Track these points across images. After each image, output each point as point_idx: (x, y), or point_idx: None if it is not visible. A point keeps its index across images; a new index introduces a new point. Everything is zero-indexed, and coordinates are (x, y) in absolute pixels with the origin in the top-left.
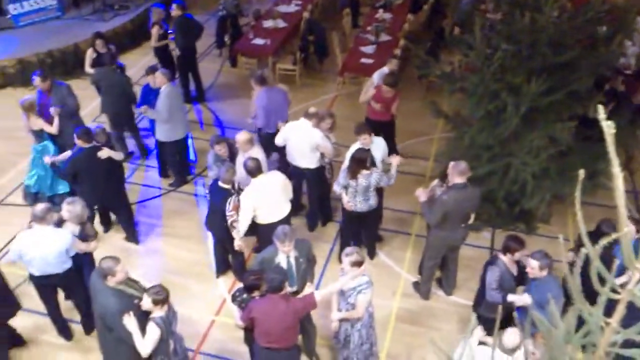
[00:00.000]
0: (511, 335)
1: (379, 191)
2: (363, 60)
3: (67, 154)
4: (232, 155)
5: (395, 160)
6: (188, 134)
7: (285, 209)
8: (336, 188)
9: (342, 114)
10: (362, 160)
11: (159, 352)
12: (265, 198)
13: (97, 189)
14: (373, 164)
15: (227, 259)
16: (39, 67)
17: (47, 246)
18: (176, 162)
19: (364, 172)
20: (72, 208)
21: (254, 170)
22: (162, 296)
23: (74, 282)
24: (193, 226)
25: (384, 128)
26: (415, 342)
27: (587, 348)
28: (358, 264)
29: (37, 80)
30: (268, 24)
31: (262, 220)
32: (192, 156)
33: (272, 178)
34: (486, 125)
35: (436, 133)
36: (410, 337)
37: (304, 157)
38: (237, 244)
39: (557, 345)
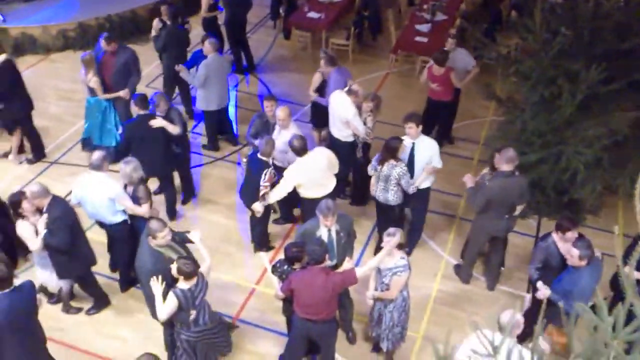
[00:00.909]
0: (506, 315)
1: (420, 194)
2: (417, 38)
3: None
4: (267, 129)
5: (429, 169)
6: (227, 106)
7: (330, 185)
8: (370, 168)
9: (393, 92)
10: (393, 149)
11: (178, 319)
12: (310, 176)
13: (148, 158)
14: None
15: (266, 230)
16: (97, 31)
17: (95, 192)
18: (210, 129)
19: (391, 161)
20: (123, 167)
21: (300, 150)
22: (187, 269)
23: (119, 237)
24: (236, 195)
25: (443, 109)
26: (453, 325)
27: (635, 344)
28: (398, 245)
29: (102, 42)
30: None
31: (307, 195)
32: (232, 128)
33: (317, 156)
34: (540, 111)
35: (487, 116)
36: (449, 320)
37: (334, 126)
38: (258, 207)
39: (602, 339)
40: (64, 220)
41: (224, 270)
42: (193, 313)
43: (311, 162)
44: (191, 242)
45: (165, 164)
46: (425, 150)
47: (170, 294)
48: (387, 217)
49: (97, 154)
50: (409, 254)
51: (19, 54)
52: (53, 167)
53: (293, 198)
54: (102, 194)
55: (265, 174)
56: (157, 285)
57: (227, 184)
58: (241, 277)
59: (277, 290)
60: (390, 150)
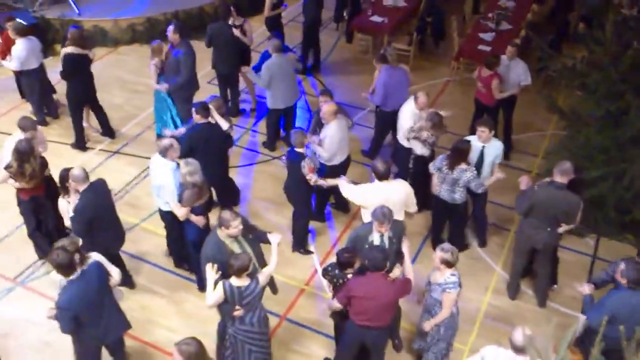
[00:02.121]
0: (518, 334)
1: (479, 197)
2: (480, 47)
3: (182, 130)
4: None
5: (499, 174)
6: (295, 105)
7: (398, 217)
8: (431, 167)
9: (453, 100)
10: (462, 151)
11: (222, 310)
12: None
13: (209, 168)
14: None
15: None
16: (165, 26)
17: (153, 174)
18: (271, 128)
19: (462, 165)
20: (182, 165)
21: (381, 175)
22: (235, 264)
23: (167, 223)
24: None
25: (486, 112)
26: (502, 341)
27: None
28: (447, 263)
29: (169, 30)
30: (388, 2)
31: (366, 219)
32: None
33: (398, 187)
34: (605, 126)
35: (549, 129)
36: (498, 335)
37: (400, 130)
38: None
39: None
40: (82, 213)
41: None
42: (240, 310)
43: (387, 193)
44: (267, 242)
45: (224, 174)
46: (493, 151)
47: (219, 284)
48: (452, 214)
49: (165, 141)
50: (482, 245)
51: (90, 46)
52: (115, 156)
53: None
54: (155, 178)
55: (304, 167)
56: (211, 272)
57: (281, 183)
58: (291, 276)
59: (330, 302)
60: (461, 154)
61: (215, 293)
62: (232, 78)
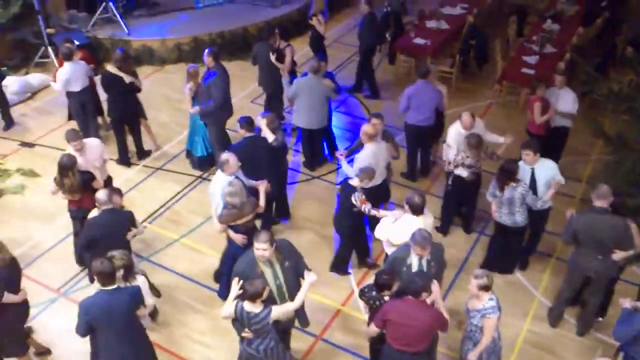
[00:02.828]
0: None
1: (541, 214)
2: (524, 70)
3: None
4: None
5: (554, 185)
6: (320, 129)
7: None
8: (487, 195)
9: (495, 123)
10: (509, 172)
11: (235, 327)
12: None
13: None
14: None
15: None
16: (210, 46)
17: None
18: (304, 146)
19: (511, 184)
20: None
21: (417, 208)
22: (248, 289)
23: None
24: (330, 213)
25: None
26: None
27: None
28: (485, 288)
29: (205, 54)
30: (431, 24)
31: (389, 252)
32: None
33: (428, 222)
34: None
35: (593, 153)
36: None
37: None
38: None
39: None
40: (88, 228)
41: (312, 287)
42: (248, 333)
43: (421, 226)
44: (302, 277)
45: (276, 188)
46: (546, 171)
47: (233, 303)
48: (514, 239)
49: (223, 156)
50: (523, 269)
51: (137, 64)
52: (158, 172)
53: None
54: (210, 187)
55: (356, 199)
56: (235, 287)
57: (321, 202)
58: (327, 296)
59: (367, 329)
60: (508, 174)
61: (228, 308)
62: (273, 96)
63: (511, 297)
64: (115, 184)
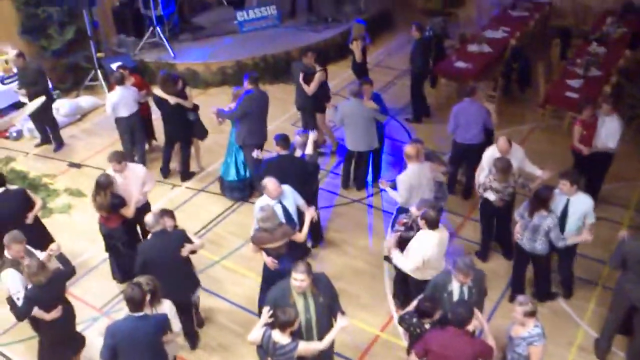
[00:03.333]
0: None
1: (565, 253)
2: (568, 93)
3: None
4: None
5: (587, 235)
6: (367, 152)
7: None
8: (515, 214)
9: (539, 147)
10: (543, 199)
11: (258, 353)
12: (430, 255)
13: None
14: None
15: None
16: (253, 69)
17: None
18: (344, 164)
19: (542, 212)
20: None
21: (432, 222)
22: (281, 317)
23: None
24: (367, 237)
25: (578, 160)
26: None
27: None
28: (531, 314)
29: (245, 79)
30: (473, 48)
31: (417, 277)
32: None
33: (444, 235)
34: None
35: None
36: None
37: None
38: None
39: None
40: (139, 253)
41: (350, 312)
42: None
43: (440, 242)
44: (335, 318)
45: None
46: (581, 205)
47: (261, 328)
48: (535, 265)
49: (264, 181)
50: (567, 297)
51: (171, 91)
52: (201, 194)
53: None
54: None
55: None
56: (265, 315)
57: (359, 226)
58: (366, 321)
59: (407, 357)
60: (541, 200)
61: (255, 334)
62: (304, 115)
63: (555, 326)
64: (158, 204)
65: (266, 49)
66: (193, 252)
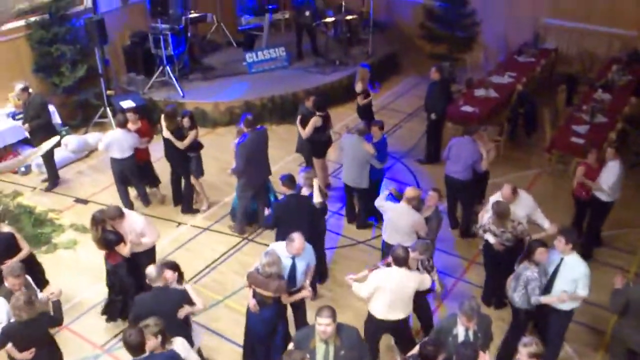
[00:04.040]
0: None
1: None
2: (574, 139)
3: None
4: None
5: (564, 296)
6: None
7: (401, 315)
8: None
9: (544, 191)
10: (529, 249)
11: None
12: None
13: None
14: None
15: None
16: (261, 110)
17: None
18: (347, 202)
19: (525, 262)
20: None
21: (402, 262)
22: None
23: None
24: None
25: (578, 206)
26: None
27: None
28: (536, 355)
29: (241, 120)
30: (479, 92)
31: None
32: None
33: (410, 277)
34: None
35: None
36: None
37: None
38: None
39: None
40: (132, 310)
41: None
42: None
43: (400, 281)
44: None
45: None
46: (572, 270)
47: None
48: (515, 319)
49: (292, 235)
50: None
51: (172, 125)
52: (206, 232)
53: None
54: None
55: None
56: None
57: (362, 268)
58: None
59: None
60: (528, 251)
61: None
62: (306, 159)
63: None
64: (164, 242)
65: (274, 89)
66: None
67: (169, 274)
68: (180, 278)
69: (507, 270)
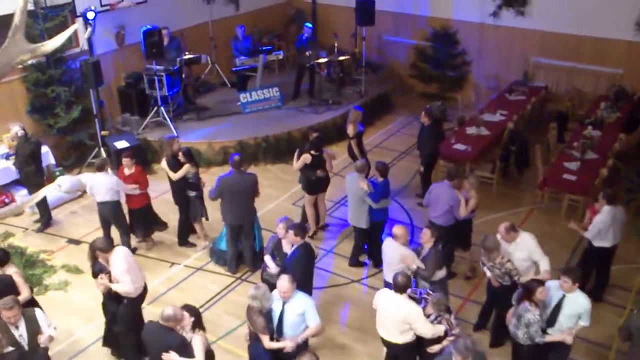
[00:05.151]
0: None
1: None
2: (565, 176)
3: None
4: None
5: (568, 336)
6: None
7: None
8: (513, 298)
9: (537, 228)
10: (528, 291)
11: None
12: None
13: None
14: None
15: None
16: (255, 149)
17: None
18: (354, 247)
19: (526, 303)
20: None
21: (400, 288)
22: None
23: None
24: (366, 318)
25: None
26: None
27: None
28: None
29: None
30: (471, 130)
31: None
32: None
33: (400, 303)
34: None
35: None
36: None
37: None
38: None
39: None
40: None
41: None
42: None
43: (390, 307)
44: None
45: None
46: (575, 306)
47: None
48: (516, 353)
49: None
50: None
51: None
52: (199, 272)
53: None
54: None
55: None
56: None
57: (360, 308)
58: None
59: None
60: (526, 291)
61: None
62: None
63: None
64: (157, 282)
65: (268, 129)
66: None
67: (185, 318)
68: (196, 326)
69: (501, 307)
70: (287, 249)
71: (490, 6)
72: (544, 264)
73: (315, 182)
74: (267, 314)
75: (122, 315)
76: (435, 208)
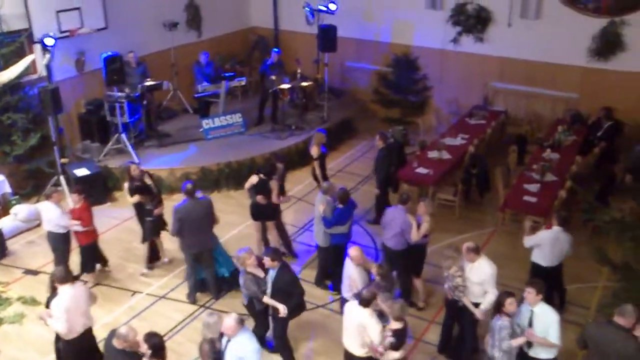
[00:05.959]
0: None
1: None
2: (526, 197)
3: None
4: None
5: (539, 339)
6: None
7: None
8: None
9: (499, 250)
10: (498, 303)
11: None
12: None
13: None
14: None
15: None
16: (217, 175)
17: None
18: (320, 268)
19: (498, 315)
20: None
21: (365, 302)
22: None
23: None
24: (332, 344)
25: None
26: None
27: None
28: None
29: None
30: (433, 154)
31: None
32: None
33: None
34: None
35: (600, 281)
36: None
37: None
38: None
39: None
40: None
41: None
42: None
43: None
44: None
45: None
46: (545, 319)
47: None
48: None
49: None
50: None
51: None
52: (161, 301)
53: None
54: None
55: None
56: None
57: (329, 332)
58: None
59: None
60: (497, 305)
61: None
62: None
63: None
64: (119, 311)
65: (231, 155)
66: None
67: (143, 346)
68: (156, 355)
69: (462, 325)
70: (259, 273)
71: (451, 32)
72: (488, 298)
73: (255, 207)
74: (213, 345)
75: (65, 351)
76: (387, 231)
